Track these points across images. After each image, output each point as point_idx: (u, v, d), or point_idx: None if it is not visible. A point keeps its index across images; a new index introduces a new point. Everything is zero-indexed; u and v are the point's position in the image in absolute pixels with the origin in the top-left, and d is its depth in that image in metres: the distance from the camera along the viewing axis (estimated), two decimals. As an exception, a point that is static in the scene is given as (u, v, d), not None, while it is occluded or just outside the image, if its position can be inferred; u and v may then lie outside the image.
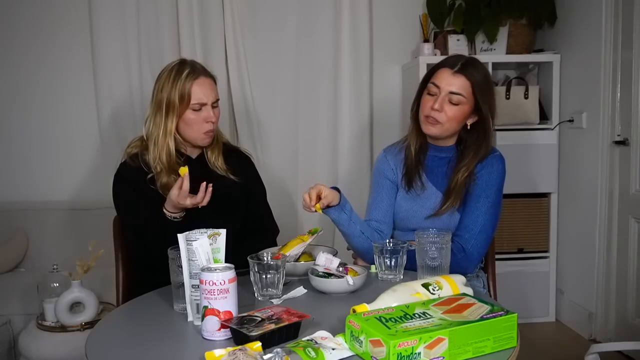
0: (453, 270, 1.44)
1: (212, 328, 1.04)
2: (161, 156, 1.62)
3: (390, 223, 1.70)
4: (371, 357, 0.92)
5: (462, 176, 1.58)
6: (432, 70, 1.61)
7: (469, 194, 1.58)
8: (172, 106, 1.60)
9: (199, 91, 1.61)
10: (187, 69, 1.62)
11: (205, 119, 1.63)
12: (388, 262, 1.37)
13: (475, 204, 1.57)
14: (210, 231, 1.17)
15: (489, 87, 1.60)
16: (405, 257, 1.38)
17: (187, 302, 1.16)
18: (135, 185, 1.64)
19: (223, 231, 1.19)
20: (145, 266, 1.63)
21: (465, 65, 1.55)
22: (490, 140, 1.62)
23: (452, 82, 1.54)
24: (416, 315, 0.98)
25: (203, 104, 1.62)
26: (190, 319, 1.16)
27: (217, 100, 1.67)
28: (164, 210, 1.56)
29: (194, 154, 1.73)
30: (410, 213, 1.64)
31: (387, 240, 1.40)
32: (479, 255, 1.56)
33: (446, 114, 1.55)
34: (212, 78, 1.67)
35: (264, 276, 1.26)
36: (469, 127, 1.61)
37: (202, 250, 1.14)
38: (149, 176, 1.63)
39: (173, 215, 1.55)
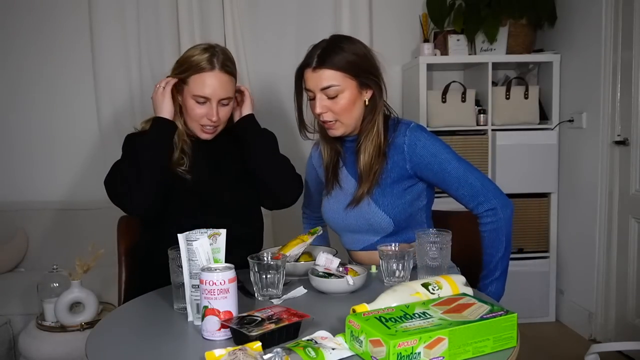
0: (502, 230, 1.47)
1: (212, 328, 1.04)
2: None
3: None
4: (371, 357, 0.92)
5: (367, 157, 1.50)
6: (299, 74, 1.54)
7: (434, 177, 1.50)
8: (179, 67, 1.56)
9: (207, 85, 1.52)
10: (208, 54, 1.53)
11: (206, 115, 1.54)
12: (394, 267, 1.34)
13: (450, 177, 1.48)
14: (210, 231, 1.17)
15: (362, 59, 1.49)
16: (411, 261, 1.35)
17: (187, 302, 1.16)
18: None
19: (223, 231, 1.19)
20: (145, 266, 1.63)
21: (323, 56, 1.46)
22: (381, 109, 1.53)
23: (317, 80, 1.46)
24: (416, 315, 0.98)
25: (207, 99, 1.53)
26: (190, 319, 1.16)
27: (229, 98, 1.57)
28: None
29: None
30: (333, 210, 1.59)
31: (393, 245, 1.38)
32: (504, 197, 1.51)
33: (333, 110, 1.48)
34: (229, 73, 1.56)
35: (264, 276, 1.26)
36: (367, 103, 1.52)
37: (203, 250, 1.14)
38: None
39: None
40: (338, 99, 1.47)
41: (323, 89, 1.47)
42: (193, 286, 1.15)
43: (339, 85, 1.46)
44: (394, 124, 1.55)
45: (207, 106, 1.54)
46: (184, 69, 1.55)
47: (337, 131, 1.52)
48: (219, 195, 1.61)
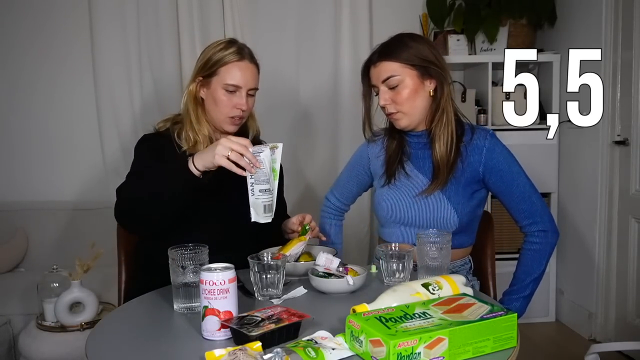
0: (546, 254, 1.53)
1: (212, 328, 1.04)
2: (198, 129, 1.56)
3: (350, 205, 1.86)
4: (371, 357, 0.92)
5: (443, 145, 1.52)
6: (364, 73, 1.60)
7: (500, 185, 1.53)
8: (206, 66, 1.55)
9: (239, 74, 1.54)
10: (235, 47, 1.56)
11: (236, 105, 1.55)
12: (394, 267, 1.35)
13: (518, 189, 1.52)
14: (271, 144, 1.33)
15: (421, 50, 1.52)
16: (411, 261, 1.36)
17: (251, 205, 1.32)
18: (161, 150, 1.55)
19: (280, 145, 1.34)
20: (145, 267, 1.62)
21: (382, 51, 1.53)
22: (453, 100, 1.56)
23: (378, 74, 1.53)
24: (416, 315, 0.98)
25: (238, 88, 1.55)
26: (254, 219, 1.33)
27: (255, 89, 1.60)
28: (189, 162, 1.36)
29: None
30: (394, 202, 1.59)
31: (393, 245, 1.38)
32: (556, 225, 1.57)
33: (395, 101, 1.52)
34: (257, 65, 1.61)
35: (264, 276, 1.26)
36: (431, 94, 1.54)
37: (267, 160, 1.30)
38: (182, 149, 1.54)
39: (197, 172, 1.35)
40: (399, 90, 1.51)
41: (384, 81, 1.52)
42: (260, 190, 1.30)
43: (399, 76, 1.50)
44: (470, 128, 1.58)
45: (237, 96, 1.55)
46: (212, 64, 1.55)
47: (401, 122, 1.55)
48: (224, 206, 1.59)
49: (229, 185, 1.61)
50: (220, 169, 1.37)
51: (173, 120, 1.64)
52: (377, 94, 1.56)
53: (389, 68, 1.51)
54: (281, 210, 1.77)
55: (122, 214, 1.46)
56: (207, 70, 1.57)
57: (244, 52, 1.57)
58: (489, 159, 1.53)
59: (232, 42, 1.59)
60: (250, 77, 1.57)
